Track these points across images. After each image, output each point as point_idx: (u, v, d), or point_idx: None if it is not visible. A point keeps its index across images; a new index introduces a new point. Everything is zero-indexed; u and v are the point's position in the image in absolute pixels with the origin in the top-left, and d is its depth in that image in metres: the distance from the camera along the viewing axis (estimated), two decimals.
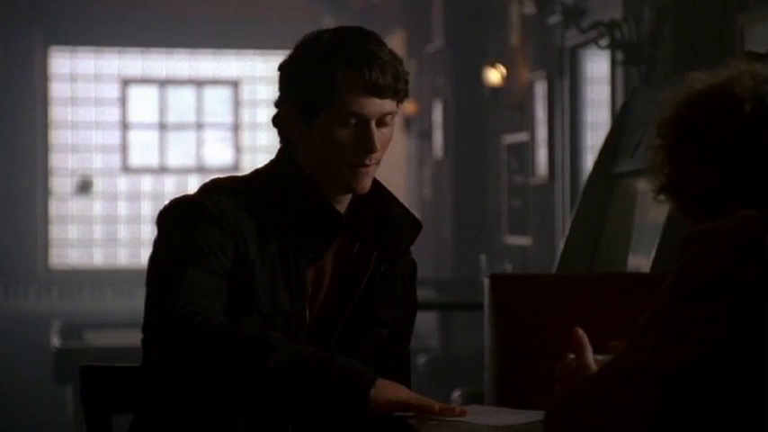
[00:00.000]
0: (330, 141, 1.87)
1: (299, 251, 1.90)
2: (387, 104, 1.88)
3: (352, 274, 1.96)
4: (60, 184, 11.19)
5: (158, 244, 1.88)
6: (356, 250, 1.96)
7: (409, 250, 2.04)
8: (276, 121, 1.94)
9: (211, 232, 1.84)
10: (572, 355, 1.66)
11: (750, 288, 1.40)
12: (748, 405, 1.40)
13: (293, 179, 1.92)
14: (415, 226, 2.00)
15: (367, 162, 1.89)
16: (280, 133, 1.95)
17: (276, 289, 1.88)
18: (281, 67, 1.93)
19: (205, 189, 1.92)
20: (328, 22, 10.81)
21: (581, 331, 1.60)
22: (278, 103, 1.93)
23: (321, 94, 1.86)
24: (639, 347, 1.45)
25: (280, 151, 1.96)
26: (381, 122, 1.89)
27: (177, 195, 1.96)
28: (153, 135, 11.41)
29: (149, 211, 11.06)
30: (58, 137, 11.19)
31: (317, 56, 1.87)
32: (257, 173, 1.96)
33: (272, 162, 1.96)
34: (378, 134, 1.87)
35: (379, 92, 1.86)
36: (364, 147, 1.87)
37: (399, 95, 1.89)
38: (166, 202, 1.93)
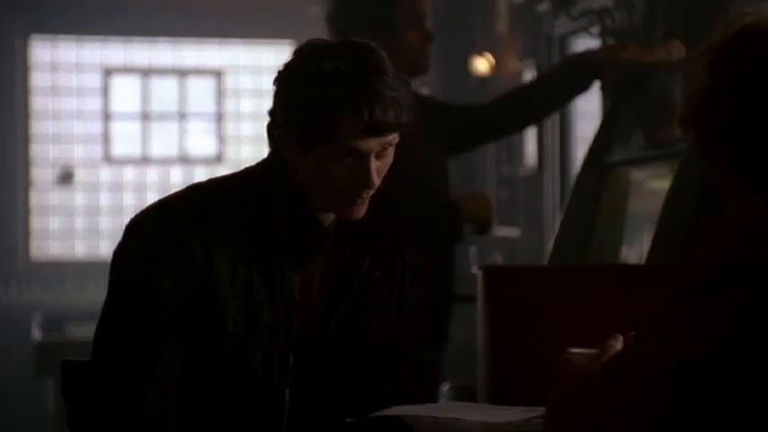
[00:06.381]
0: (326, 174, 1.81)
1: (284, 260, 1.84)
2: (388, 139, 1.81)
3: (343, 280, 1.89)
4: (41, 174, 11.11)
5: (114, 309, 1.83)
6: (348, 255, 1.90)
7: (415, 248, 1.98)
8: (270, 132, 1.86)
9: (167, 292, 1.79)
10: (573, 350, 1.62)
11: (762, 279, 1.34)
12: (760, 402, 1.34)
13: (280, 190, 1.85)
14: (409, 237, 1.95)
15: (363, 195, 1.83)
16: (271, 144, 1.88)
17: (255, 304, 1.82)
18: (278, 80, 1.84)
19: (177, 207, 1.84)
20: (312, 12, 10.75)
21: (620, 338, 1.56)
22: (272, 118, 1.85)
23: (319, 131, 1.78)
24: (647, 342, 1.39)
25: (270, 158, 1.89)
26: (381, 153, 1.82)
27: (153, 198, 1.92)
28: (135, 125, 11.34)
29: (132, 201, 10.99)
30: (38, 127, 11.11)
31: (316, 89, 1.78)
32: (245, 174, 1.89)
33: (261, 166, 1.89)
34: (376, 164, 1.81)
35: (380, 131, 1.79)
36: (361, 182, 1.81)
37: (402, 126, 1.82)
38: (135, 214, 1.88)
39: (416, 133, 3.22)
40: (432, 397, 1.97)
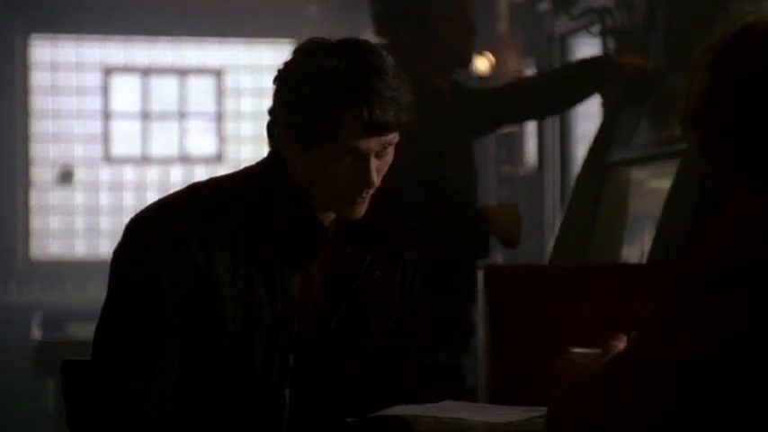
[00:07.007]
0: (326, 174, 1.81)
1: (284, 260, 1.84)
2: (388, 138, 1.81)
3: (343, 279, 1.89)
4: (41, 174, 11.10)
5: (114, 309, 1.82)
6: (348, 255, 1.90)
7: (416, 248, 1.98)
8: (270, 132, 1.86)
9: (166, 292, 1.79)
10: (575, 350, 1.61)
11: (762, 279, 1.34)
12: (760, 402, 1.34)
13: (280, 190, 1.84)
14: (409, 237, 1.95)
15: (363, 195, 1.82)
16: (271, 143, 1.87)
17: (255, 303, 1.81)
18: (278, 78, 1.83)
19: (177, 206, 1.84)
20: (312, 12, 10.74)
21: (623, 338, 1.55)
22: (272, 117, 1.85)
23: (318, 130, 1.78)
24: (647, 342, 1.39)
25: (270, 157, 1.89)
26: (381, 152, 1.82)
27: (155, 196, 1.93)
28: (135, 125, 11.33)
29: (132, 201, 10.98)
30: (38, 126, 11.10)
31: (315, 87, 1.78)
32: (245, 174, 1.89)
33: (261, 165, 1.89)
34: (376, 164, 1.81)
35: (380, 131, 1.79)
36: (361, 182, 1.81)
37: (402, 126, 1.81)
38: (137, 213, 1.88)
39: (447, 133, 3.24)
40: (442, 398, 1.96)
